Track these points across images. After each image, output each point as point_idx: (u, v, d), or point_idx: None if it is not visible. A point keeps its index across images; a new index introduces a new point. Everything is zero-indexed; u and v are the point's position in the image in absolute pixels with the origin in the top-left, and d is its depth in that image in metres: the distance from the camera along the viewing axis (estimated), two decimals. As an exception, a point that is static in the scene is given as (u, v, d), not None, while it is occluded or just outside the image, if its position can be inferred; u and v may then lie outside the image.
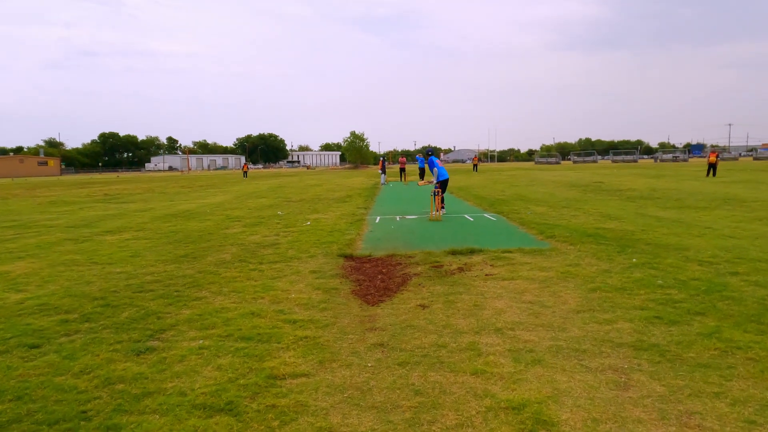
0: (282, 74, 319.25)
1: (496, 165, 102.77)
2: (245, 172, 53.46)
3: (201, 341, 4.31)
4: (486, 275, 6.40)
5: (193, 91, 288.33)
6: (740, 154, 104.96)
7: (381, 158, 35.03)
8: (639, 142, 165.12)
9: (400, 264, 7.20)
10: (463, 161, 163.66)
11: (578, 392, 3.29)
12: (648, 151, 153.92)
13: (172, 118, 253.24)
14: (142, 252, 8.61)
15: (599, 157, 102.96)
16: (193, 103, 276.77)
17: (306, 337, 4.36)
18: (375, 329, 4.57)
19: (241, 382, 3.52)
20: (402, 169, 34.47)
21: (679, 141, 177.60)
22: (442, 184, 13.06)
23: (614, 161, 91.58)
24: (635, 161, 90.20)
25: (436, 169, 13.06)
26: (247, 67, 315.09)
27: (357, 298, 5.61)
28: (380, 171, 31.51)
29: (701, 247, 7.89)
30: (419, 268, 6.86)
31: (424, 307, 5.18)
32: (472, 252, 7.80)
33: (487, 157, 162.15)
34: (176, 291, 5.97)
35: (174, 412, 3.12)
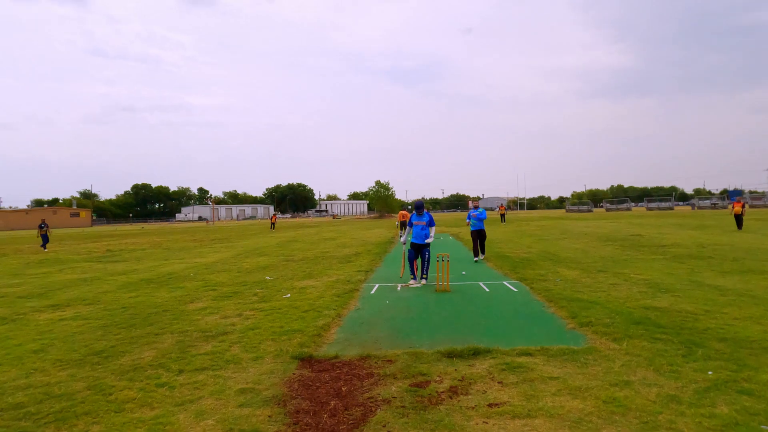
0: (311, 124, 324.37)
1: (525, 213, 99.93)
2: (273, 224, 50.98)
3: None
4: (489, 405, 4.26)
5: (225, 142, 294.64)
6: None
7: (403, 209, 32.99)
8: (673, 188, 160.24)
9: (371, 375, 5.10)
10: (492, 209, 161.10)
11: None
12: (683, 197, 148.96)
13: (204, 169, 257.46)
14: (55, 343, 6.73)
15: (633, 204, 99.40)
16: (225, 155, 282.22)
17: None
18: None
19: None
20: (403, 224, 32.41)
21: (715, 187, 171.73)
22: (414, 247, 11.09)
23: (649, 209, 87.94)
24: (671, 208, 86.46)
25: (410, 230, 11.21)
26: (277, 117, 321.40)
27: (278, 456, 3.54)
28: (397, 224, 29.52)
29: (800, 344, 5.59)
30: (393, 388, 4.74)
31: (373, 489, 3.08)
32: (475, 354, 5.65)
33: (516, 204, 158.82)
34: (27, 424, 4.01)
35: None
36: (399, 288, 10.53)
